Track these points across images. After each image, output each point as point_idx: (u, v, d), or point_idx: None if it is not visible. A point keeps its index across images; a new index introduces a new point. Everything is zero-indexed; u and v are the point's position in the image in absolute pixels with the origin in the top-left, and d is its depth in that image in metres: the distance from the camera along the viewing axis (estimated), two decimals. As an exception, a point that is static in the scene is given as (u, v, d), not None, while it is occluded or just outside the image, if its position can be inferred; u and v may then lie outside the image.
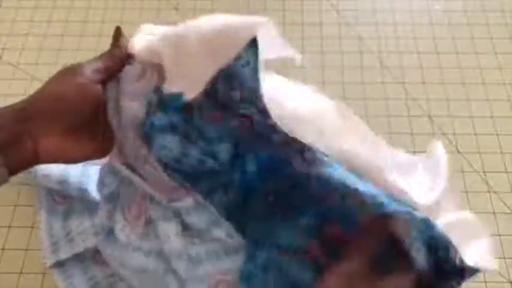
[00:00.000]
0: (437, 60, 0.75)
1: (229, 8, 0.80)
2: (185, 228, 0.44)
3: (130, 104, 0.40)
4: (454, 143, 0.67)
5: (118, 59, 0.40)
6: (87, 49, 0.75)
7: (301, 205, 0.41)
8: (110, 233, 0.48)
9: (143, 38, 0.40)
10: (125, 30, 0.41)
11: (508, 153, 0.66)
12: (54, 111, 0.37)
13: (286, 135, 0.40)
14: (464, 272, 0.38)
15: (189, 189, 0.42)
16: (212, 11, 0.79)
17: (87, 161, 0.40)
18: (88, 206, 0.58)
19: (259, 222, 0.42)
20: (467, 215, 0.47)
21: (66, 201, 0.60)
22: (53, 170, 0.58)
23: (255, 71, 0.39)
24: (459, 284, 0.39)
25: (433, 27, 0.79)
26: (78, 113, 0.37)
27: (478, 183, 0.64)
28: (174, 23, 0.41)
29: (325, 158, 0.44)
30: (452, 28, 0.78)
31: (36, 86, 0.71)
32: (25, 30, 0.78)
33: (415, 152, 0.66)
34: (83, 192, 0.57)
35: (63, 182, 0.58)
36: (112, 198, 0.48)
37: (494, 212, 0.61)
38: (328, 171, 0.42)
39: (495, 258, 0.57)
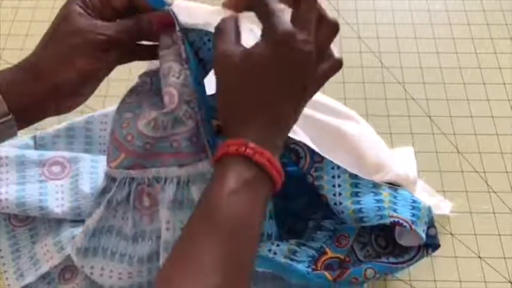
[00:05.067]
0: (437, 60, 0.75)
1: (229, 8, 0.80)
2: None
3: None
4: (454, 143, 0.67)
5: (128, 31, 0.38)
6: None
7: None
8: (100, 232, 0.45)
9: None
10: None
11: (508, 153, 0.66)
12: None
13: None
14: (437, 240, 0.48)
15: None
16: (212, 11, 0.79)
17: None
18: (50, 224, 0.57)
19: None
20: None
21: (25, 224, 0.58)
22: (9, 192, 0.57)
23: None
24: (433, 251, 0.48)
25: (433, 27, 0.79)
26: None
27: (478, 183, 0.64)
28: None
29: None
30: (452, 28, 0.78)
31: (36, 86, 0.71)
32: (25, 30, 0.78)
33: (415, 152, 0.66)
34: (43, 209, 0.56)
35: (20, 204, 0.56)
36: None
37: (494, 212, 0.61)
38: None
39: (496, 258, 0.58)
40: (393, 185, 0.49)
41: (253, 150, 0.33)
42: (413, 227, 0.45)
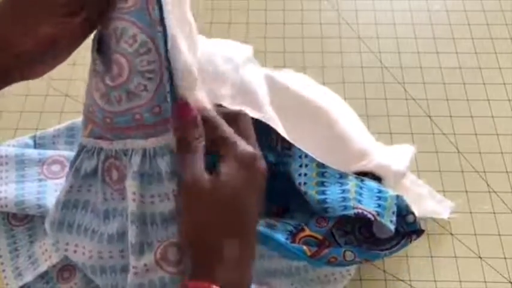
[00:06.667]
0: (437, 60, 0.75)
1: (229, 8, 0.80)
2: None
3: None
4: (454, 143, 0.67)
5: None
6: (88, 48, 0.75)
7: None
8: (75, 206, 0.43)
9: None
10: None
11: (508, 153, 0.66)
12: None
13: None
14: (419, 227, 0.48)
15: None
16: (212, 10, 0.79)
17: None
18: None
19: None
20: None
21: (23, 223, 0.58)
22: (8, 191, 0.56)
23: None
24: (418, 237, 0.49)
25: (433, 27, 0.79)
26: None
27: (478, 183, 0.64)
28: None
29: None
30: (452, 28, 0.78)
31: (36, 84, 0.71)
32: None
33: (415, 152, 0.66)
34: (42, 208, 0.56)
35: (19, 202, 0.56)
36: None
37: (494, 212, 0.61)
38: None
39: (496, 258, 0.58)
40: (360, 176, 0.50)
41: None
42: (378, 218, 0.45)
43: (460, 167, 0.65)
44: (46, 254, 0.55)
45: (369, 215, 0.45)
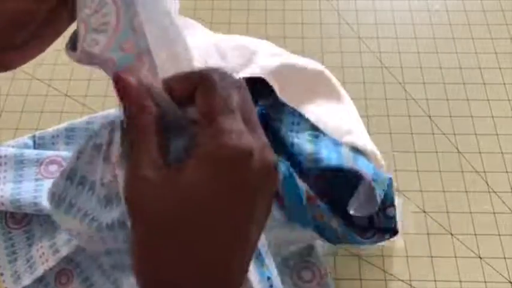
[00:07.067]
0: (437, 60, 0.75)
1: (229, 7, 0.80)
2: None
3: None
4: (454, 143, 0.67)
5: None
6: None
7: None
8: (81, 183, 0.38)
9: None
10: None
11: (508, 153, 0.66)
12: None
13: None
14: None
15: None
16: (212, 10, 0.79)
17: None
18: (46, 226, 0.57)
19: None
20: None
21: (21, 226, 0.58)
22: (5, 189, 0.56)
23: None
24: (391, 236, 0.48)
25: (433, 27, 0.79)
26: None
27: (478, 183, 0.64)
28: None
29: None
30: (452, 28, 0.78)
31: (36, 85, 0.71)
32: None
33: (415, 152, 0.66)
34: (37, 206, 0.56)
35: (15, 201, 0.56)
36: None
37: (494, 212, 0.61)
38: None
39: (496, 258, 0.58)
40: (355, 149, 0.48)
41: None
42: (372, 183, 0.43)
43: (460, 167, 0.65)
44: (43, 257, 0.55)
45: (365, 176, 0.43)
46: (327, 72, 0.55)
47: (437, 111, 0.70)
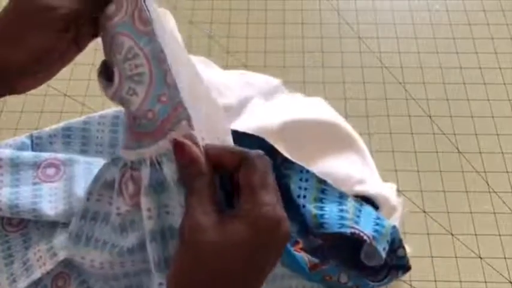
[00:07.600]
0: (437, 60, 0.75)
1: (229, 8, 0.80)
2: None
3: None
4: (454, 143, 0.67)
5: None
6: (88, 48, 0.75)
7: None
8: (93, 219, 0.43)
9: None
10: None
11: (508, 153, 0.66)
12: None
13: None
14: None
15: None
16: (212, 10, 0.79)
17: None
18: (43, 230, 0.57)
19: None
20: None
21: (18, 229, 0.57)
22: (3, 194, 0.56)
23: None
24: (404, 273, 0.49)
25: (433, 27, 0.78)
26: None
27: (478, 183, 0.64)
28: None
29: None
30: (452, 28, 0.78)
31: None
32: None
33: (415, 152, 0.66)
34: (36, 212, 0.55)
35: (14, 206, 0.55)
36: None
37: (494, 212, 0.61)
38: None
39: (496, 258, 0.58)
40: (359, 200, 0.50)
41: None
42: (373, 242, 0.45)
43: (460, 167, 0.65)
44: (40, 261, 0.54)
45: (365, 237, 0.45)
46: (340, 122, 0.55)
47: (437, 111, 0.70)
